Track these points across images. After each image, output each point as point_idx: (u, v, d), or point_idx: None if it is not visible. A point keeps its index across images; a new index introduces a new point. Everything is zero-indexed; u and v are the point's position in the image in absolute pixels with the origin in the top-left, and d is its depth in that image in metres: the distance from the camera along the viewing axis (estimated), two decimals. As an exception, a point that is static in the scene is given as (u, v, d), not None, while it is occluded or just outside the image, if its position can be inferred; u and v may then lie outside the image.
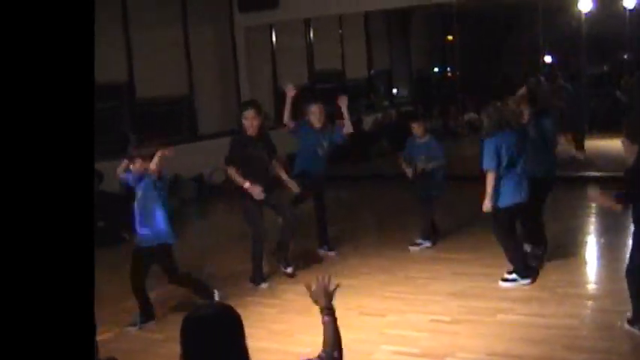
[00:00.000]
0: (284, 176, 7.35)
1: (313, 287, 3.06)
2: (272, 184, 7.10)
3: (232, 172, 6.95)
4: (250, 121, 6.88)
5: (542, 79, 14.80)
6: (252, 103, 7.28)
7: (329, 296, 3.02)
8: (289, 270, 7.20)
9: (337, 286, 3.10)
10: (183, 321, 2.57)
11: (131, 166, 6.24)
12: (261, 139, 6.99)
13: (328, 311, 2.98)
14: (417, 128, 7.92)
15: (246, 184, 6.83)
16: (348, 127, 7.88)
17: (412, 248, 7.90)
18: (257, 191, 6.83)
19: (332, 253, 7.98)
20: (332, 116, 15.95)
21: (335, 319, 2.97)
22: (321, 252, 8.00)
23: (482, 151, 6.33)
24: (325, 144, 7.81)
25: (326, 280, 3.09)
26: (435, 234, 8.05)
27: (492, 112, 6.32)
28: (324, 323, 2.96)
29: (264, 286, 7.02)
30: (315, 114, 7.66)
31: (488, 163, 6.23)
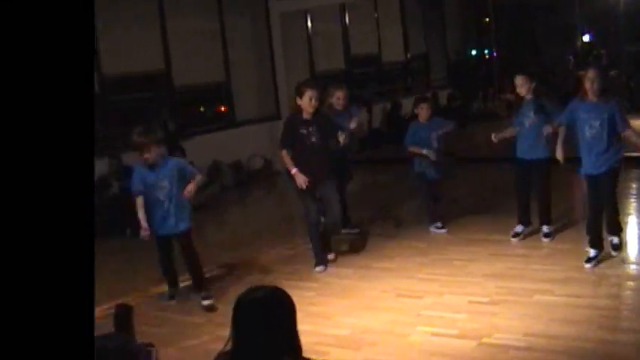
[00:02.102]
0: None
1: None
2: (324, 172, 6.83)
3: (283, 154, 6.79)
4: (313, 102, 6.60)
5: (572, 60, 14.58)
6: (315, 83, 7.02)
7: None
8: (330, 256, 7.17)
9: None
10: (236, 301, 2.59)
11: (146, 155, 6.02)
12: (316, 122, 6.71)
13: None
14: (425, 110, 7.86)
15: (293, 170, 6.68)
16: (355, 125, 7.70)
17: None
18: (300, 180, 6.64)
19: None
20: (368, 101, 16.02)
21: None
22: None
23: (613, 114, 6.18)
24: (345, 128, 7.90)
25: None
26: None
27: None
28: None
29: (318, 269, 6.91)
30: (339, 98, 7.69)
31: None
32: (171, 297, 6.52)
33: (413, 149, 7.88)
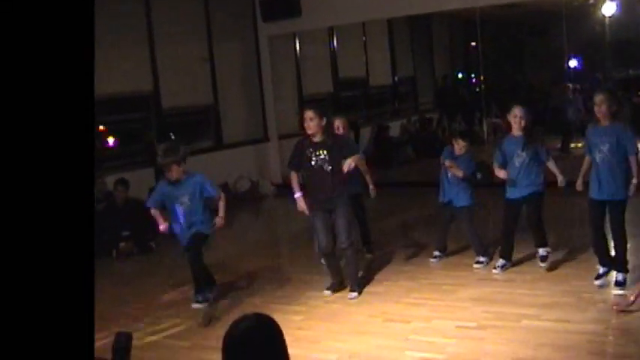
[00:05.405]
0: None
1: None
2: (336, 194, 6.63)
3: (291, 177, 6.81)
4: (307, 122, 6.57)
5: (570, 86, 14.69)
6: (312, 104, 7.03)
7: None
8: (351, 295, 6.78)
9: None
10: (224, 337, 2.52)
11: (168, 173, 6.59)
12: (326, 145, 6.60)
13: None
14: (460, 144, 7.49)
15: (296, 195, 6.72)
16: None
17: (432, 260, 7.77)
18: (300, 206, 6.70)
19: (368, 256, 8.04)
20: (356, 124, 16.06)
21: None
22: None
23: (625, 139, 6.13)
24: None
25: None
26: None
27: None
28: None
29: (326, 293, 6.80)
30: (338, 128, 7.70)
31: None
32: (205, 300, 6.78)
33: (449, 163, 7.49)
